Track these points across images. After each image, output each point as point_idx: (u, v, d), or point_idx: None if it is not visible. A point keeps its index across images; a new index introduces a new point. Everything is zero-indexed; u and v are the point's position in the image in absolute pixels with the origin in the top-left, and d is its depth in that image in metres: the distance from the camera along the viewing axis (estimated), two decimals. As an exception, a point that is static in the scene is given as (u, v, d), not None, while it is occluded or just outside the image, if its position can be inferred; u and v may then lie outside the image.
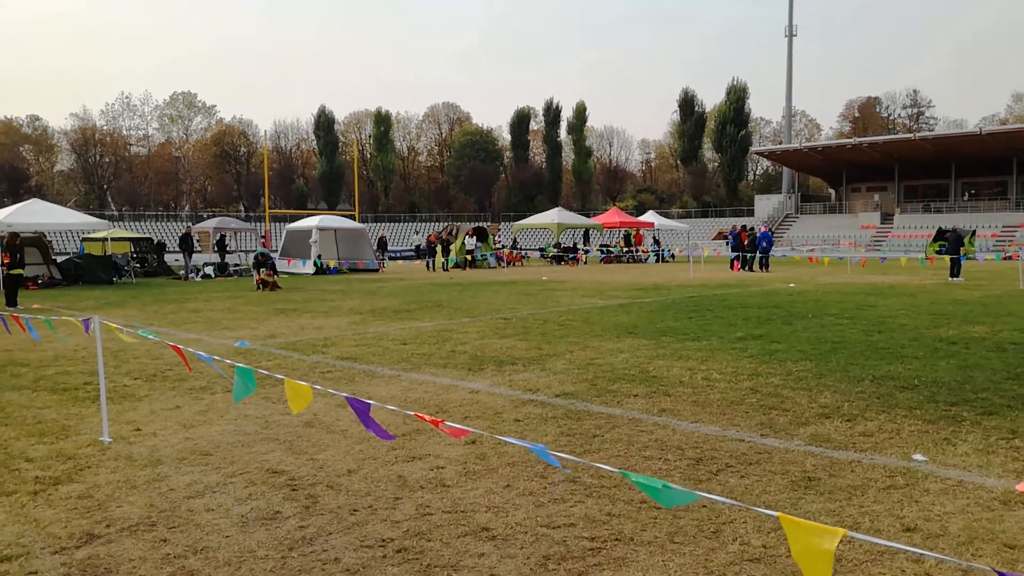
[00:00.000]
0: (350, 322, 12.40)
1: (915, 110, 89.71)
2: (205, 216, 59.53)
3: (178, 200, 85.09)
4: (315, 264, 28.64)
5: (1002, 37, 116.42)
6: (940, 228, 37.94)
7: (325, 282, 23.87)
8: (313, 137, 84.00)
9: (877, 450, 4.87)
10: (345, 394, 3.58)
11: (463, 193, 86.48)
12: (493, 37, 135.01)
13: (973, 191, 60.66)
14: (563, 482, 4.28)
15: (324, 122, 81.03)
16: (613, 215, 43.08)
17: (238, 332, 11.26)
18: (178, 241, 28.67)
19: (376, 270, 30.81)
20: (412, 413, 3.40)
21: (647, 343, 9.59)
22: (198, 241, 28.55)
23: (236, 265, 31.15)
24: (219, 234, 29.32)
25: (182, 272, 28.74)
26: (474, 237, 34.52)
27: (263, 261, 21.12)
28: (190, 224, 29.27)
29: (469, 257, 33.38)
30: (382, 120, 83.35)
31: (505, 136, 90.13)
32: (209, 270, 27.37)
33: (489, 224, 51.95)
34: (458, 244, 33.53)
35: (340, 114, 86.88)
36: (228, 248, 30.78)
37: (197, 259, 29.86)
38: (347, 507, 4.00)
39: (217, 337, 10.76)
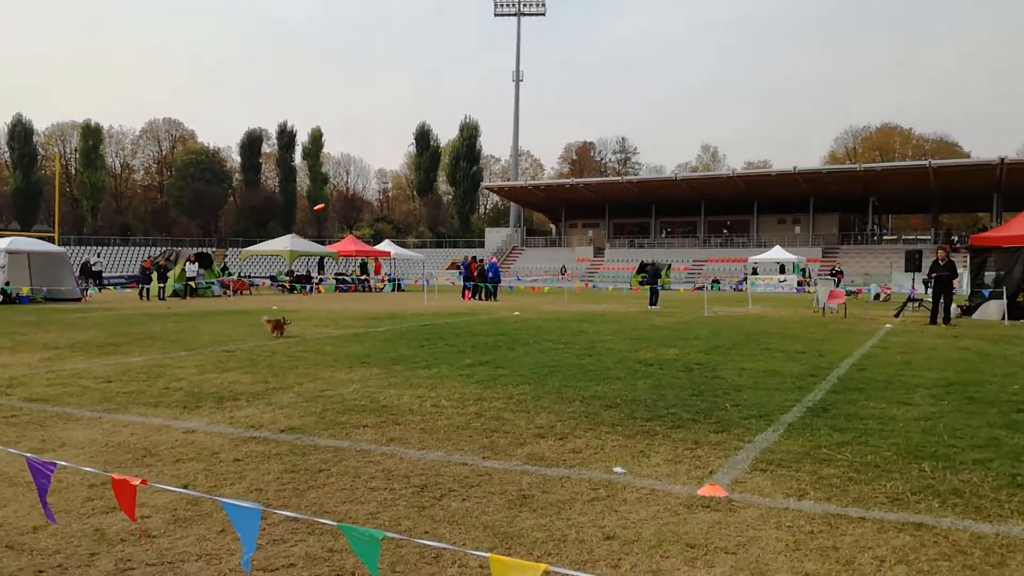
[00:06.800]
0: (43, 358, 10.94)
1: (624, 155, 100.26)
2: None
3: None
4: (3, 292, 24.91)
5: (695, 95, 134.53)
6: (642, 261, 42.53)
7: (14, 312, 20.82)
8: (6, 148, 73.59)
9: (584, 465, 5.30)
10: (28, 454, 3.16)
11: (185, 216, 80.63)
12: (225, 55, 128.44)
13: (669, 229, 68.96)
14: (282, 522, 4.12)
15: (20, 132, 71.32)
16: (349, 243, 42.75)
17: None
18: None
19: (79, 299, 27.56)
20: (112, 475, 3.09)
21: (379, 372, 9.59)
22: None
23: None
24: None
25: None
26: (196, 263, 32.22)
27: None
28: None
29: (193, 284, 31.11)
30: (91, 133, 75.29)
31: (235, 158, 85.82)
32: None
33: (214, 250, 48.85)
34: (178, 271, 31.11)
35: (40, 124, 77.07)
36: None
37: None
38: (31, 568, 3.50)
39: None
